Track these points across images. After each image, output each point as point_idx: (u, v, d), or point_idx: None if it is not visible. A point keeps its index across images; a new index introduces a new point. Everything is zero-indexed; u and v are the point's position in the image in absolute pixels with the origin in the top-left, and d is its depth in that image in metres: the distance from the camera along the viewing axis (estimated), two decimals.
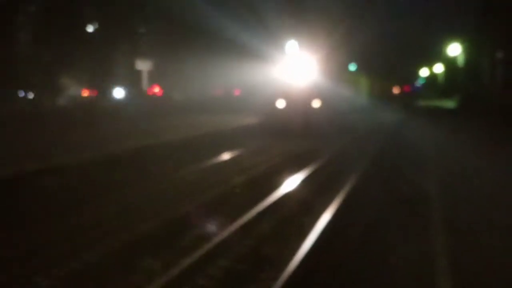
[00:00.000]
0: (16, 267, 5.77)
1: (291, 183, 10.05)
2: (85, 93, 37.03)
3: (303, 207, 8.28)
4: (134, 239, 6.62)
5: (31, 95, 34.57)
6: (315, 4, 34.90)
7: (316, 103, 20.16)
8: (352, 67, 40.71)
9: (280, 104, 20.26)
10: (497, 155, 13.22)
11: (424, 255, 5.82)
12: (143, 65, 31.15)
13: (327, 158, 13.23)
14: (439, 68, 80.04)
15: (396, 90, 68.41)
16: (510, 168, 11.16)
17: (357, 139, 18.29)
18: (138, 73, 30.91)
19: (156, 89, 37.70)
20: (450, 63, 61.51)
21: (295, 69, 20.66)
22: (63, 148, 13.14)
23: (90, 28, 30.69)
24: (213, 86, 30.80)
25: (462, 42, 49.20)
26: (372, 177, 10.49)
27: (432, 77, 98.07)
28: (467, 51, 47.90)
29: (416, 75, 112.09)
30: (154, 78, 34.28)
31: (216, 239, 6.41)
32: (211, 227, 7.17)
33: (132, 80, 33.34)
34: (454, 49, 50.90)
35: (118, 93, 38.07)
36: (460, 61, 49.89)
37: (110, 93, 36.19)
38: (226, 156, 13.93)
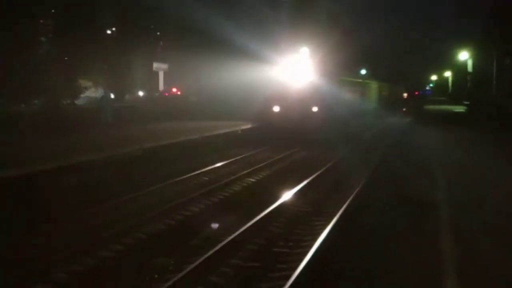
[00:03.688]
0: None
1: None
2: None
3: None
4: None
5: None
6: (320, 9, 35.56)
7: (316, 108, 19.06)
8: (362, 71, 41.38)
9: (278, 108, 19.15)
10: (497, 158, 14.18)
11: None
12: (160, 67, 32.35)
13: (321, 173, 12.35)
14: (447, 73, 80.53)
15: (405, 95, 68.85)
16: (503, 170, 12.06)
17: (359, 148, 17.35)
18: (155, 75, 32.03)
19: (168, 92, 38.43)
20: (458, 69, 61.98)
21: (295, 72, 19.50)
22: None
23: (108, 31, 31.73)
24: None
25: (470, 49, 49.77)
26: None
27: (441, 82, 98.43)
28: (475, 57, 48.43)
29: (425, 80, 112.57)
30: (171, 80, 35.30)
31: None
32: None
33: (148, 83, 34.27)
34: (462, 55, 51.53)
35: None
36: (469, 67, 50.46)
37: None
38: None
